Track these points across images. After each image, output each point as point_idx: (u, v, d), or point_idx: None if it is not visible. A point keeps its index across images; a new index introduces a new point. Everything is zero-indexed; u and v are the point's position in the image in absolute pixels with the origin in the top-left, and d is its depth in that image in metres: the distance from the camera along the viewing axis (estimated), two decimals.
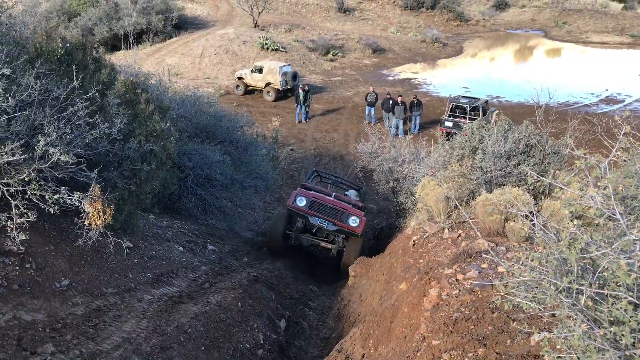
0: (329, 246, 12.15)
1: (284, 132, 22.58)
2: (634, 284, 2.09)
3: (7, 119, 5.87)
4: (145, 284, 7.60)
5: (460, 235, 7.64)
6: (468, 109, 21.36)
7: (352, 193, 13.75)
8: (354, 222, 11.55)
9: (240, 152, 14.00)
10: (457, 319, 4.83)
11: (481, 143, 9.00)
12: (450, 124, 21.09)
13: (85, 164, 6.58)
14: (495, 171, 8.35)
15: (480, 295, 5.21)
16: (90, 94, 6.85)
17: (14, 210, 5.99)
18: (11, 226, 5.94)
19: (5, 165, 5.90)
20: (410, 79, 34.13)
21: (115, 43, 36.34)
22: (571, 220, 2.42)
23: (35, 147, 5.98)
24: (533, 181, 6.93)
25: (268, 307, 8.69)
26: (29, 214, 6.01)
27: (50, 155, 5.99)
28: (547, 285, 2.34)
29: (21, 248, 5.97)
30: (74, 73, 6.72)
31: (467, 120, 19.72)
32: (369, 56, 38.99)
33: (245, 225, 14.97)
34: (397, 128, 22.92)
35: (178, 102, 13.16)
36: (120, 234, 7.93)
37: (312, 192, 12.18)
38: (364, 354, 6.47)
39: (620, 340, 2.04)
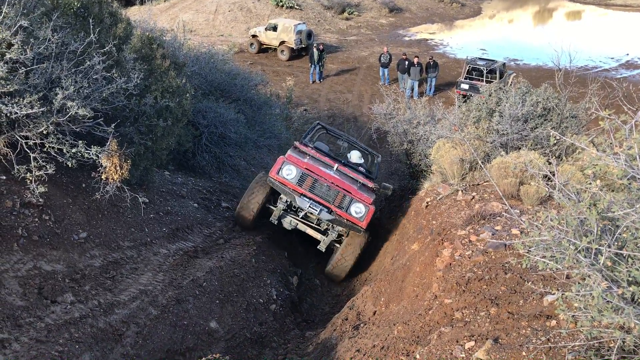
0: (318, 237, 9.10)
1: (297, 92, 22.43)
2: None
3: (26, 72, 5.87)
4: (161, 239, 7.72)
5: (474, 197, 7.63)
6: (485, 72, 21.04)
7: (355, 155, 10.24)
8: (357, 211, 8.38)
9: (254, 111, 13.96)
10: (470, 279, 4.87)
11: (498, 105, 8.90)
12: (466, 87, 20.83)
13: (102, 119, 6.61)
14: (511, 134, 8.27)
15: (493, 257, 5.24)
16: (106, 48, 6.82)
17: (32, 163, 6.06)
18: (30, 178, 6.03)
19: (24, 117, 5.94)
20: (427, 39, 33.58)
21: None
22: (593, 181, 2.41)
23: (53, 101, 6.02)
24: (555, 141, 6.86)
25: (281, 265, 8.81)
26: (48, 166, 6.08)
27: (68, 109, 6.03)
28: (566, 244, 2.35)
29: (40, 200, 6.06)
30: (91, 27, 6.69)
31: (484, 83, 19.46)
32: (386, 15, 38.30)
33: None
34: (412, 90, 22.66)
35: (193, 59, 13.08)
36: (137, 189, 8.02)
37: (307, 159, 8.77)
38: (375, 311, 6.57)
39: (638, 299, 2.06)
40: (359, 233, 8.65)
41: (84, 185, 7.08)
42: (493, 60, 22.50)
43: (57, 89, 6.06)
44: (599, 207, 2.28)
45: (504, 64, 22.40)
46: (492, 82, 18.38)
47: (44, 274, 5.51)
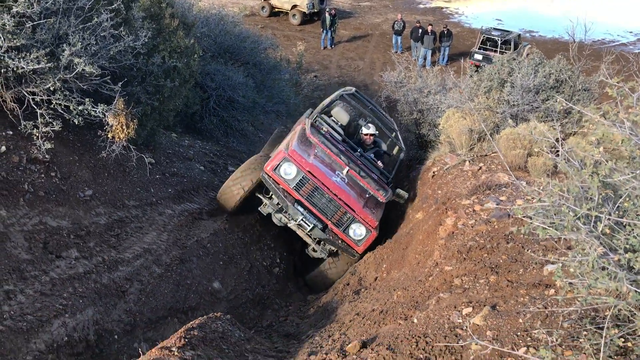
0: (309, 241, 7.63)
1: (308, 58, 22.19)
2: None
3: (32, 26, 5.82)
4: (166, 199, 7.76)
5: (481, 168, 7.60)
6: (499, 42, 20.72)
7: (370, 128, 8.56)
8: (356, 233, 7.13)
9: (263, 75, 13.84)
10: (471, 247, 4.88)
11: (510, 76, 8.78)
12: (480, 57, 20.54)
13: (109, 77, 6.58)
14: (522, 105, 8.18)
15: (496, 226, 5.23)
16: (115, 5, 6.74)
17: (39, 119, 6.07)
18: (37, 134, 6.05)
19: (31, 73, 5.92)
20: (442, 8, 32.98)
21: None
22: (596, 148, 2.38)
23: (60, 57, 5.99)
24: (562, 108, 6.77)
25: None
26: (54, 123, 6.09)
27: (75, 66, 5.99)
28: (565, 211, 2.33)
29: (46, 156, 6.08)
30: None
31: (498, 54, 19.18)
32: None
33: None
34: (425, 58, 22.38)
35: (202, 20, 12.92)
36: (143, 150, 8.04)
37: (313, 157, 7.21)
38: (377, 277, 6.62)
39: (634, 267, 2.05)
40: (352, 257, 7.43)
41: (90, 143, 7.10)
42: (508, 31, 22.14)
43: (64, 45, 6.03)
44: (600, 173, 2.25)
45: (519, 35, 22.04)
46: (506, 53, 18.13)
47: (50, 230, 5.57)
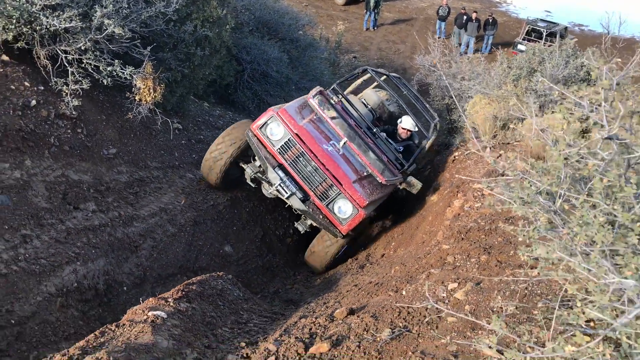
0: (284, 199, 6.61)
1: (349, 39, 22.13)
2: (607, 191, 2.11)
3: None
4: (189, 164, 7.98)
5: (500, 155, 7.56)
6: (545, 34, 20.24)
7: (407, 122, 7.92)
8: (341, 210, 6.36)
9: (299, 52, 13.91)
10: (471, 228, 4.92)
11: (541, 65, 8.65)
12: (523, 48, 20.10)
13: (139, 41, 6.79)
14: (549, 96, 8.07)
15: (500, 210, 5.24)
16: None
17: (70, 77, 6.33)
18: (66, 91, 6.31)
19: (64, 32, 6.16)
20: None
21: None
22: (560, 125, 2.41)
23: (92, 18, 6.21)
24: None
25: None
26: (84, 82, 6.35)
27: (106, 27, 6.21)
28: (527, 184, 2.39)
29: (74, 113, 6.35)
30: None
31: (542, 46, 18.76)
32: None
33: None
34: (467, 46, 22.07)
35: None
36: (172, 115, 8.27)
37: (306, 121, 6.60)
38: (384, 254, 6.72)
39: (575, 243, 2.09)
40: (334, 237, 6.65)
41: (119, 104, 7.35)
42: (555, 23, 21.60)
43: (97, 6, 6.24)
44: (560, 148, 2.29)
45: (565, 28, 21.48)
46: (552, 45, 17.70)
47: (70, 182, 5.84)
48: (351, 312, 4.14)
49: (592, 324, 2.34)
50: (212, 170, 7.06)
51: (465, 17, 21.93)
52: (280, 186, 6.36)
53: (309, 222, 6.85)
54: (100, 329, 3.68)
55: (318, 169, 6.32)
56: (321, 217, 6.42)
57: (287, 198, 6.43)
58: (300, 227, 6.92)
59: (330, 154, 6.40)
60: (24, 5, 5.73)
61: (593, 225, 2.03)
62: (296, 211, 6.69)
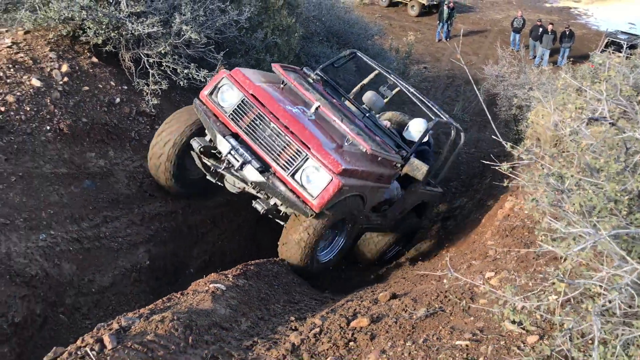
0: (254, 193, 5.55)
1: (420, 49, 22.29)
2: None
3: None
4: None
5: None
6: (625, 46, 19.58)
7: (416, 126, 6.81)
8: (310, 179, 4.99)
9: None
10: (517, 226, 5.09)
11: (609, 76, 8.57)
12: (600, 61, 19.57)
13: (213, 46, 7.36)
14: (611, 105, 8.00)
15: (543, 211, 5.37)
16: None
17: (150, 78, 6.97)
18: (147, 91, 6.94)
19: (146, 37, 6.80)
20: (570, 8, 31.49)
21: None
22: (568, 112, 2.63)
23: (172, 24, 6.83)
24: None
25: None
26: (162, 83, 6.96)
27: (184, 33, 6.80)
28: (540, 168, 2.62)
29: (153, 111, 6.97)
30: None
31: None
32: None
33: None
34: (541, 58, 21.70)
35: (315, 4, 13.57)
36: None
37: (267, 84, 5.59)
38: (437, 254, 6.92)
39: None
40: (304, 216, 5.12)
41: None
42: (637, 35, 20.86)
43: (177, 14, 6.85)
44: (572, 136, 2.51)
45: None
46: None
47: (147, 173, 6.41)
48: (394, 296, 4.43)
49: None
50: (159, 169, 5.86)
51: (540, 29, 21.60)
52: (231, 154, 5.11)
53: (273, 200, 5.38)
54: (167, 296, 4.14)
55: (281, 133, 5.07)
56: (283, 190, 5.01)
57: (239, 168, 5.10)
58: (259, 207, 5.31)
59: (295, 115, 5.23)
60: (113, 12, 6.41)
61: (587, 194, 2.26)
62: (254, 187, 5.34)
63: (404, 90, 6.89)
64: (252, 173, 5.09)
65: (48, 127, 5.63)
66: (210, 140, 5.47)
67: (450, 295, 3.97)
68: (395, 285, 5.22)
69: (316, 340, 3.75)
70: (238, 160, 5.08)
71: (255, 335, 3.92)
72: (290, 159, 5.03)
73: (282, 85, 5.73)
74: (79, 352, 3.11)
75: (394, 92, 7.48)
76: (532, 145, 8.90)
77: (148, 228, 5.86)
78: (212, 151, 5.52)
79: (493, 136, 3.53)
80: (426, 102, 6.82)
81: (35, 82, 5.78)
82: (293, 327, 4.08)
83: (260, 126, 5.17)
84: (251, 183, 5.22)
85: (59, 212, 5.16)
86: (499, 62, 13.02)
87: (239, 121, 5.26)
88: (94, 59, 6.70)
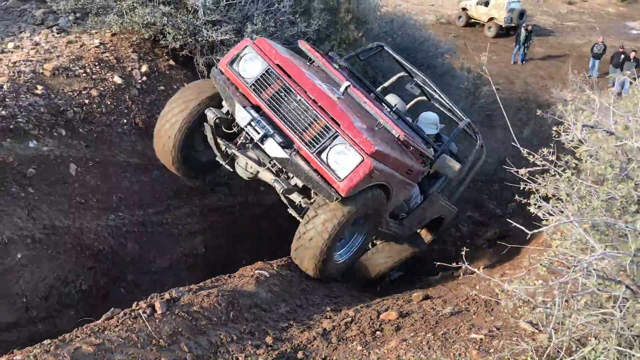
0: (269, 176, 5.06)
1: (494, 70, 22.10)
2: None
3: (227, 5, 7.23)
4: None
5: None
6: None
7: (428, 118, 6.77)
8: (339, 159, 4.47)
9: (435, 79, 14.36)
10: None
11: None
12: None
13: None
14: None
15: None
16: None
17: None
18: None
19: (220, 43, 7.33)
20: None
21: None
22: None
23: (244, 33, 7.32)
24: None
25: None
26: None
27: None
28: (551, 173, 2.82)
29: None
30: None
31: None
32: (616, 4, 35.14)
33: None
34: (622, 86, 21.01)
35: (387, 20, 13.89)
36: None
37: (295, 58, 5.21)
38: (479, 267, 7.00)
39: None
40: (329, 200, 4.55)
41: None
42: None
43: (249, 23, 7.35)
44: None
45: None
46: None
47: None
48: (426, 297, 4.64)
49: None
50: (164, 148, 5.24)
51: (622, 55, 20.96)
52: (251, 125, 4.58)
53: (293, 180, 4.91)
54: (216, 277, 4.54)
55: (308, 107, 4.58)
56: (307, 170, 4.50)
57: (259, 140, 4.57)
58: (278, 185, 4.81)
59: (324, 89, 4.73)
60: (191, 20, 6.97)
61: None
62: (273, 165, 4.89)
63: (430, 91, 6.82)
64: (273, 148, 4.54)
65: (125, 121, 6.21)
66: (227, 113, 4.96)
67: (476, 297, 4.14)
68: (432, 290, 5.41)
69: (346, 328, 4.02)
70: (259, 133, 4.54)
71: (292, 319, 4.23)
72: (316, 135, 4.51)
73: (308, 63, 5.39)
74: (132, 314, 3.53)
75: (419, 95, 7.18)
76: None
77: (206, 219, 6.32)
78: (226, 130, 5.03)
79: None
80: (452, 106, 6.70)
81: (117, 80, 6.39)
82: (327, 316, 4.37)
83: (285, 99, 4.65)
84: (271, 160, 4.76)
85: (129, 197, 5.70)
86: (570, 86, 12.82)
87: (261, 93, 4.74)
88: (171, 62, 7.29)
